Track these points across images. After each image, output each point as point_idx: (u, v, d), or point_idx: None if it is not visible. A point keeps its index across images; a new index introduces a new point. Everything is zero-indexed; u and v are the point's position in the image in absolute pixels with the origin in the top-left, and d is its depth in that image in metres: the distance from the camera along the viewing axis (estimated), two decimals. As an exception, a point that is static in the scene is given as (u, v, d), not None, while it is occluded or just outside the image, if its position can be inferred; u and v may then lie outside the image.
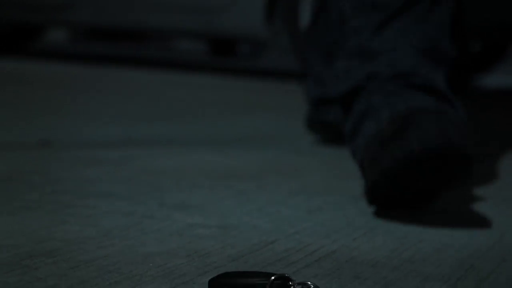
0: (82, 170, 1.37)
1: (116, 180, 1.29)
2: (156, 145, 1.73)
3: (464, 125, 1.05)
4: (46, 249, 0.88)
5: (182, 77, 4.21)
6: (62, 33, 8.64)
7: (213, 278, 0.76)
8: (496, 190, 1.40)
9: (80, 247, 0.89)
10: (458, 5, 1.29)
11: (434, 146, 0.98)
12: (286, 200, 1.22)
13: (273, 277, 0.74)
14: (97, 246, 0.90)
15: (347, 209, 1.17)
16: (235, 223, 1.05)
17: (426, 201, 1.16)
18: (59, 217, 1.02)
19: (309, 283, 0.75)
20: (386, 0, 1.19)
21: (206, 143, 1.82)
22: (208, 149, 1.72)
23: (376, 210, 1.16)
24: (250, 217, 1.09)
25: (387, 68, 1.16)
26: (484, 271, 0.89)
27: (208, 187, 1.28)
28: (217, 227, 1.02)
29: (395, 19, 1.19)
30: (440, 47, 1.20)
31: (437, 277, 0.85)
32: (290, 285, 0.74)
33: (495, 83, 5.11)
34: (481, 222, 1.11)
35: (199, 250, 0.91)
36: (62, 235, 0.94)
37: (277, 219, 1.08)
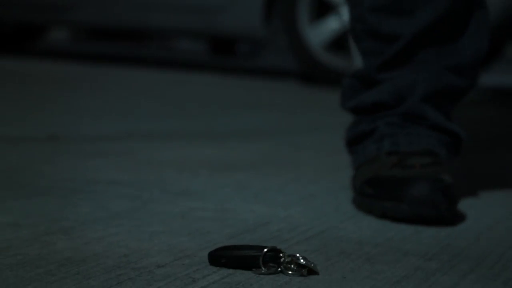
0: (89, 161, 1.46)
1: (122, 170, 1.37)
2: (157, 139, 1.82)
3: (453, 181, 1.13)
4: (60, 227, 0.96)
5: (182, 75, 4.30)
6: (63, 33, 8.72)
7: (212, 250, 0.85)
8: (479, 180, 1.49)
9: (92, 226, 0.98)
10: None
11: (424, 215, 1.08)
12: (281, 188, 1.30)
13: (265, 249, 0.83)
14: (107, 226, 0.99)
15: (337, 197, 1.26)
16: (232, 207, 1.14)
17: None
18: (71, 201, 1.11)
19: (297, 255, 0.84)
20: (394, 32, 1.19)
21: (205, 137, 1.91)
22: (208, 143, 1.81)
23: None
24: (247, 202, 1.17)
25: (392, 97, 1.21)
26: (458, 248, 0.98)
27: (207, 176, 1.37)
28: (216, 211, 1.11)
29: (404, 55, 1.20)
30: (450, 88, 1.22)
31: (415, 253, 0.94)
32: (281, 257, 0.83)
33: (490, 83, 5.20)
34: (461, 206, 1.20)
35: (200, 229, 0.99)
36: (74, 216, 1.03)
37: (271, 204, 1.17)
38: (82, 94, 2.92)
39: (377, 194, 1.13)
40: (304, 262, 0.83)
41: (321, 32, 3.98)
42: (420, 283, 0.83)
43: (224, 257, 0.84)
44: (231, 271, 0.83)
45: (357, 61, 3.90)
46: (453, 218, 1.11)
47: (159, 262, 0.85)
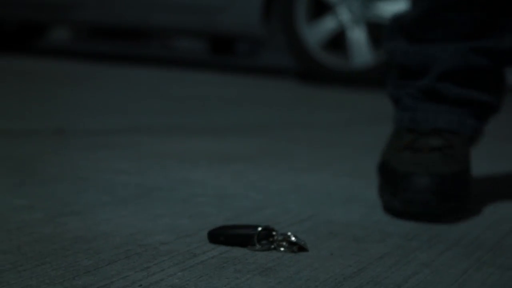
0: (95, 152, 1.54)
1: (126, 160, 1.46)
2: (159, 133, 1.90)
3: (464, 170, 1.14)
4: (72, 210, 1.05)
5: (182, 74, 4.38)
6: (65, 32, 8.80)
7: (211, 229, 0.94)
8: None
9: (100, 210, 1.06)
10: None
11: (413, 212, 1.10)
12: (276, 177, 1.39)
13: (260, 228, 0.91)
14: (114, 209, 1.07)
15: (329, 185, 1.34)
16: (230, 193, 1.22)
17: None
18: (80, 187, 1.19)
19: (289, 233, 0.92)
20: None
21: (205, 132, 1.99)
22: (207, 136, 1.89)
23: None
24: (244, 189, 1.26)
25: (417, 65, 1.21)
26: (438, 230, 1.06)
27: (207, 166, 1.45)
28: (215, 197, 1.19)
29: (432, 16, 1.19)
30: (477, 69, 1.20)
31: (398, 234, 1.03)
32: (274, 235, 0.92)
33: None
34: None
35: (200, 213, 1.08)
36: (84, 201, 1.11)
37: (267, 191, 1.25)
38: (84, 91, 3.00)
39: (383, 183, 1.19)
40: (295, 239, 0.91)
41: (318, 31, 4.06)
42: (400, 259, 0.91)
43: (222, 235, 0.92)
44: (228, 247, 0.91)
45: (353, 60, 3.98)
46: (444, 214, 1.11)
47: (162, 240, 0.93)
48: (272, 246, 0.91)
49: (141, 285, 0.77)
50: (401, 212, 1.11)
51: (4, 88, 2.90)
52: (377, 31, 3.98)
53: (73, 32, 9.02)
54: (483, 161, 1.75)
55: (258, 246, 0.91)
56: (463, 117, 1.20)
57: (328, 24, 4.03)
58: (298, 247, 0.91)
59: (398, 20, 1.25)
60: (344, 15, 4.01)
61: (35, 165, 1.36)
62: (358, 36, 3.97)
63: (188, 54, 7.44)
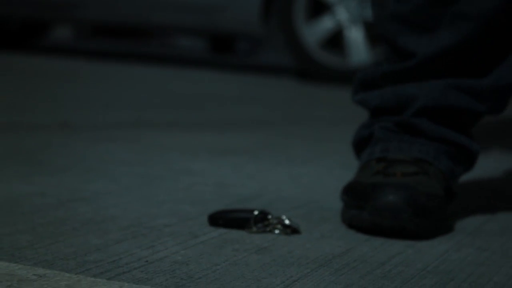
0: (99, 144, 1.61)
1: (130, 152, 1.53)
2: (160, 127, 1.98)
3: (436, 191, 1.04)
4: (81, 196, 1.12)
5: (183, 72, 4.45)
6: (66, 30, 8.88)
7: (211, 213, 1.01)
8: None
9: (107, 196, 1.13)
10: None
11: (383, 224, 1.00)
12: (273, 168, 1.46)
13: (256, 212, 0.99)
14: (120, 196, 1.14)
15: (323, 176, 1.42)
16: (229, 183, 1.29)
17: None
18: (87, 177, 1.27)
19: (283, 217, 0.99)
20: (408, 49, 1.12)
21: (205, 126, 2.06)
22: (207, 131, 1.96)
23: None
24: (242, 179, 1.33)
25: (393, 104, 1.14)
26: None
27: (207, 158, 1.53)
28: (215, 185, 1.26)
29: (413, 73, 1.13)
30: (460, 108, 1.13)
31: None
32: (269, 218, 0.99)
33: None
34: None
35: (201, 200, 1.15)
36: (91, 188, 1.18)
37: (264, 181, 1.33)
38: (87, 87, 3.07)
39: (348, 201, 1.08)
40: (288, 223, 0.99)
41: (317, 30, 4.13)
42: (386, 241, 0.99)
43: (221, 219, 1.00)
44: (227, 230, 0.99)
45: (351, 59, 4.06)
46: (418, 230, 1.01)
47: (166, 222, 1.00)
48: (267, 229, 0.98)
49: (147, 261, 0.84)
50: (369, 225, 1.01)
51: (9, 85, 2.97)
52: (374, 30, 4.06)
53: (76, 30, 9.09)
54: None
55: (254, 229, 0.98)
56: (439, 152, 1.12)
57: (326, 24, 4.10)
58: (292, 230, 0.99)
59: (365, 73, 1.19)
60: (342, 14, 4.08)
61: (44, 157, 1.43)
62: (355, 36, 4.04)
63: (188, 53, 7.51)
